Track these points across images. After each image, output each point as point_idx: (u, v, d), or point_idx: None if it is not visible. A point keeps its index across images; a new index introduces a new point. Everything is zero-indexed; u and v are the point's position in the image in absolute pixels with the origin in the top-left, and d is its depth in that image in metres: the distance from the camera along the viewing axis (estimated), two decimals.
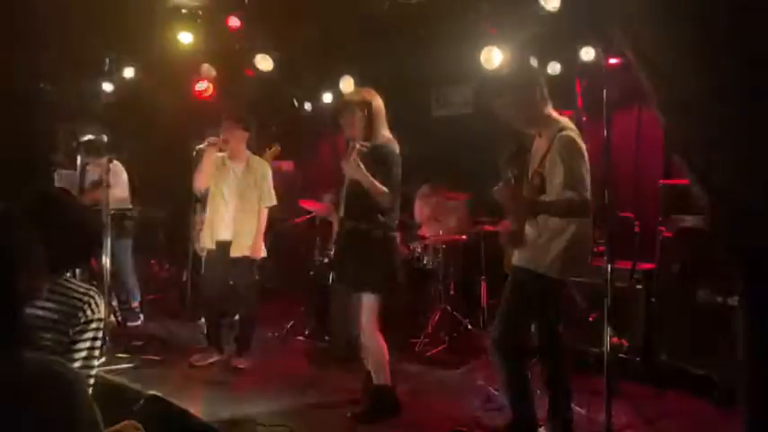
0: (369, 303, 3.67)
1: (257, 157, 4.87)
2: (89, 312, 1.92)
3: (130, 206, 6.17)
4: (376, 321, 3.70)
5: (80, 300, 1.91)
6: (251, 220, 4.74)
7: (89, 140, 5.67)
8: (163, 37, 5.90)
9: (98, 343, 1.96)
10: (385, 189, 3.55)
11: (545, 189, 3.03)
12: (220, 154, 4.74)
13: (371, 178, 3.56)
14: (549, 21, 4.89)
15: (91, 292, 1.95)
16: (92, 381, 1.96)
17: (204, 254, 4.91)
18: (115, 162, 6.22)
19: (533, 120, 3.16)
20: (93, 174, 6.01)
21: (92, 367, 1.96)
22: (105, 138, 5.73)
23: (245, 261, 4.72)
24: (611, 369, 2.92)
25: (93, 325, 1.93)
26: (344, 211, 3.76)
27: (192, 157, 4.80)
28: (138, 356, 4.80)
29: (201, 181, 4.75)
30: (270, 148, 4.97)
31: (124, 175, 6.17)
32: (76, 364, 1.87)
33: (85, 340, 1.92)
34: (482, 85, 6.35)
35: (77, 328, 1.89)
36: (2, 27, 5.00)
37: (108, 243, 4.91)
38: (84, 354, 1.91)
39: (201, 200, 5.75)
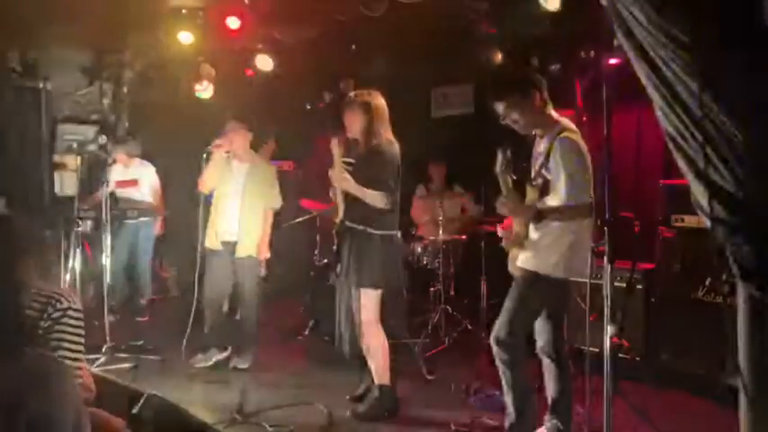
0: (367, 300, 3.68)
1: (263, 159, 4.87)
2: (50, 309, 1.88)
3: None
4: (376, 319, 3.71)
5: (42, 306, 1.87)
6: (256, 221, 4.74)
7: (120, 138, 5.69)
8: (163, 37, 5.90)
9: (81, 331, 1.94)
10: (376, 194, 3.60)
11: (548, 191, 3.06)
12: (225, 154, 4.73)
13: (360, 187, 3.62)
14: (548, 21, 4.89)
15: (55, 296, 1.90)
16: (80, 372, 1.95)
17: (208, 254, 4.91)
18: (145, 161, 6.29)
19: (533, 122, 3.19)
20: (118, 171, 6.04)
21: (77, 360, 1.94)
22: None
23: (251, 261, 4.73)
24: (611, 369, 2.91)
25: (64, 320, 1.90)
26: (343, 212, 3.79)
27: (196, 159, 4.78)
28: (138, 356, 4.80)
29: (207, 184, 4.73)
30: (266, 145, 4.96)
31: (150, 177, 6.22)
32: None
33: (61, 332, 1.89)
34: (481, 87, 6.36)
35: (46, 325, 1.86)
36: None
37: (108, 243, 4.91)
38: (64, 348, 1.89)
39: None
